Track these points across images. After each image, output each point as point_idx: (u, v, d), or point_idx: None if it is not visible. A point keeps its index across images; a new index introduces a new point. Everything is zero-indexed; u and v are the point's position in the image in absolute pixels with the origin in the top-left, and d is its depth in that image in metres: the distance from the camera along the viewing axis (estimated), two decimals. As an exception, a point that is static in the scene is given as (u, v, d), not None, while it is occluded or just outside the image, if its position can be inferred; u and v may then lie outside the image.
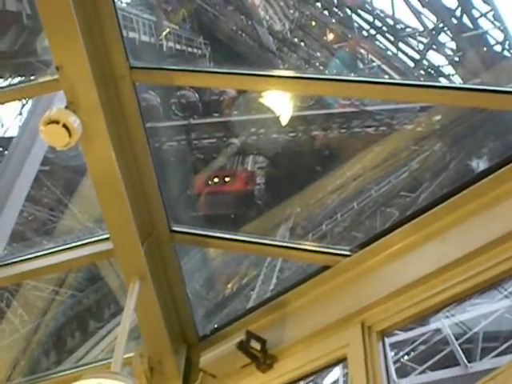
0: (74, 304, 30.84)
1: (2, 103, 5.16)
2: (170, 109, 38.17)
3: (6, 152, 31.17)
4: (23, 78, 37.04)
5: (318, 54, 43.94)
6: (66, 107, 4.31)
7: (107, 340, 26.40)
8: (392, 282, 4.71)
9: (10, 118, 40.48)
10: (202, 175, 37.11)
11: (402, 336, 20.46)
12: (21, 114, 40.50)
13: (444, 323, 19.83)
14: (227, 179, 38.15)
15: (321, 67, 43.12)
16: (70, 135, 4.21)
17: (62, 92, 4.50)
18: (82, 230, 30.73)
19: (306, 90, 5.81)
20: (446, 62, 38.94)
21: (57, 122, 4.18)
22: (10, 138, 34.80)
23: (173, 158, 34.47)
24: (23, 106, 40.35)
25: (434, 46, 39.01)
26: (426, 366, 19.70)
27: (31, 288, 28.44)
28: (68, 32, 4.15)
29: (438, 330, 20.25)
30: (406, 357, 20.92)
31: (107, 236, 5.29)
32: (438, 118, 32.91)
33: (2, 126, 41.23)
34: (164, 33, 40.03)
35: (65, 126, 4.19)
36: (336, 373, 20.86)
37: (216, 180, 37.66)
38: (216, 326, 5.93)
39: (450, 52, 38.61)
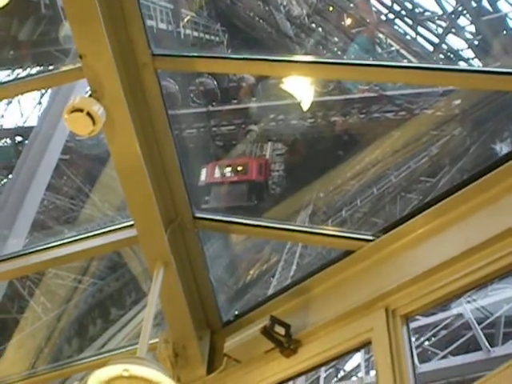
0: (95, 292, 31.05)
1: (26, 92, 5.19)
2: (188, 96, 38.16)
3: (27, 141, 31.32)
4: (42, 68, 37.18)
5: (336, 39, 43.71)
6: (90, 95, 4.33)
7: (129, 327, 26.55)
8: (415, 267, 4.71)
9: (30, 108, 40.62)
10: (213, 164, 36.74)
11: (423, 321, 20.45)
12: (40, 103, 40.71)
13: (466, 308, 19.78)
14: (239, 168, 37.81)
15: (339, 52, 42.89)
16: (93, 123, 4.24)
17: (81, 81, 4.53)
18: (102, 219, 30.90)
19: (327, 74, 5.82)
20: (466, 46, 38.61)
21: (81, 111, 4.21)
22: (30, 128, 34.97)
23: (192, 145, 34.54)
24: (42, 95, 40.56)
25: (454, 30, 38.68)
26: (447, 350, 19.68)
27: (53, 276, 28.65)
28: (91, 20, 4.17)
29: (459, 315, 20.20)
30: (426, 342, 20.91)
31: (131, 223, 5.32)
32: (457, 102, 32.71)
33: (22, 115, 41.43)
34: (185, 19, 39.97)
35: (89, 114, 4.21)
36: (357, 358, 20.93)
37: (228, 169, 37.48)
38: (237, 312, 5.96)
39: (469, 36, 38.28)
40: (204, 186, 34.78)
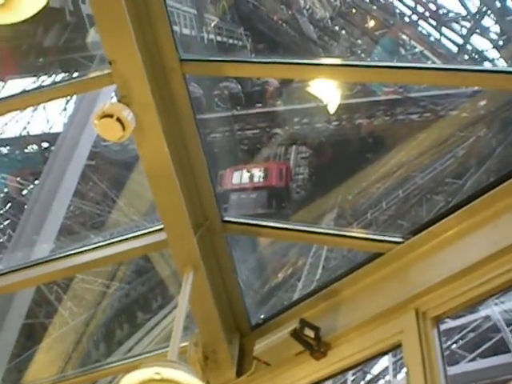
0: (121, 296, 31.18)
1: (55, 99, 5.25)
2: (213, 100, 38.17)
3: (53, 147, 31.57)
4: (67, 75, 37.46)
5: (360, 42, 43.66)
6: (119, 101, 4.37)
7: (155, 331, 26.66)
8: (445, 268, 4.70)
9: (55, 114, 40.96)
10: (230, 170, 36.09)
11: (451, 324, 20.35)
12: (65, 109, 40.96)
13: (494, 310, 19.66)
14: (259, 174, 36.94)
15: (362, 55, 42.83)
16: (123, 129, 4.27)
17: (106, 87, 4.58)
18: (128, 224, 31.06)
19: (354, 77, 5.82)
20: (491, 46, 38.40)
21: (110, 116, 4.24)
22: (56, 134, 35.25)
23: (216, 150, 34.56)
24: (67, 101, 40.79)
25: (478, 31, 38.48)
26: (476, 353, 19.57)
27: (80, 281, 28.82)
28: (119, 26, 4.21)
29: (487, 318, 20.09)
30: (454, 345, 20.81)
31: (160, 227, 5.36)
32: (483, 103, 32.51)
33: (48, 121, 41.77)
34: (212, 24, 40.06)
35: (118, 119, 4.25)
36: (384, 362, 20.85)
37: (246, 175, 36.61)
38: (263, 316, 5.98)
39: (494, 36, 38.05)
40: (221, 194, 34.03)
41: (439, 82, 4.86)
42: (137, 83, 4.40)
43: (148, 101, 4.45)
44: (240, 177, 36.20)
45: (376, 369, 22.02)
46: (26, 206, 30.28)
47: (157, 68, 4.65)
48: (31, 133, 41.90)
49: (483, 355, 19.60)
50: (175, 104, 4.82)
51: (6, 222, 38.25)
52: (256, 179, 36.50)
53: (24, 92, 5.50)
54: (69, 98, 39.73)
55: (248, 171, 36.63)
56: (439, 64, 31.70)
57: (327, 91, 5.14)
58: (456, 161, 33.13)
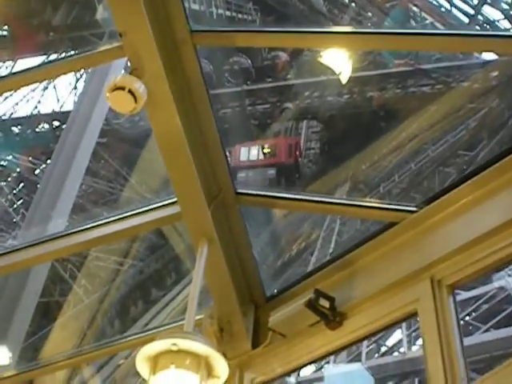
0: (135, 273, 31.34)
1: (67, 73, 5.24)
2: (223, 76, 38.00)
3: (64, 126, 31.61)
4: (76, 52, 37.36)
5: (370, 14, 43.32)
6: (131, 73, 4.35)
7: (170, 307, 26.79)
8: (460, 236, 4.69)
9: (65, 93, 40.95)
10: (238, 147, 35.78)
11: (464, 295, 20.34)
12: (75, 88, 41.01)
13: (508, 281, 19.64)
14: (267, 151, 36.74)
15: (372, 27, 42.50)
16: (135, 101, 4.26)
17: (116, 64, 4.57)
18: (140, 201, 31.12)
19: (366, 45, 5.79)
20: (502, 17, 38.01)
21: (122, 88, 4.23)
22: (67, 112, 35.31)
23: (227, 125, 34.45)
24: (78, 80, 40.85)
25: (489, 1, 38.09)
26: (489, 324, 19.57)
27: (94, 259, 28.98)
28: (129, -2, 4.19)
29: (501, 288, 20.06)
30: (467, 317, 20.82)
31: (173, 200, 5.37)
32: (495, 74, 32.26)
33: (58, 100, 41.80)
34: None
35: (130, 91, 4.24)
36: (398, 334, 20.94)
37: (254, 152, 36.44)
38: (275, 291, 5.97)
39: (505, 6, 37.67)
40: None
41: (450, 48, 4.82)
42: (148, 55, 4.38)
43: (159, 73, 4.43)
44: (248, 153, 35.91)
45: (390, 341, 22.13)
46: (38, 186, 30.40)
47: (168, 40, 4.63)
48: (42, 112, 41.95)
49: (497, 326, 19.60)
50: (187, 76, 4.80)
51: (19, 202, 38.45)
52: (264, 156, 36.31)
53: (36, 67, 5.49)
54: (79, 76, 39.80)
55: (256, 148, 36.36)
56: (450, 30, 31.37)
57: (339, 61, 5.09)
58: (468, 132, 32.97)
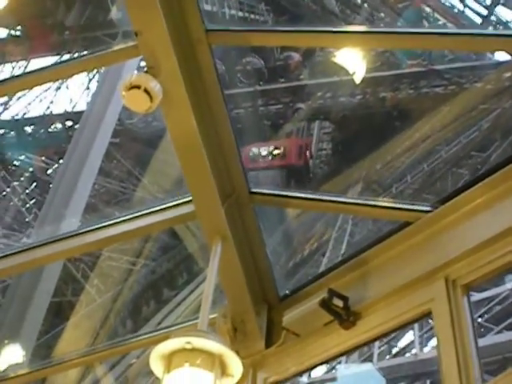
0: (147, 273, 31.38)
1: (81, 72, 5.26)
2: (235, 76, 37.91)
3: (77, 126, 31.70)
4: (89, 52, 37.46)
5: (382, 15, 43.20)
6: (146, 72, 4.37)
7: (182, 307, 26.81)
8: (475, 237, 4.70)
9: (78, 93, 41.11)
10: (247, 148, 35.36)
11: (476, 297, 20.27)
12: (88, 88, 41.05)
13: (521, 282, 19.58)
14: (276, 152, 35.93)
15: (381, 24, 42.38)
16: (151, 100, 4.28)
17: (128, 65, 4.59)
18: (153, 201, 31.16)
19: (379, 44, 5.80)
20: (516, 17, 37.87)
21: (138, 87, 4.25)
22: (80, 112, 35.38)
23: (239, 126, 34.39)
24: (90, 80, 40.91)
25: (502, 1, 37.94)
26: (502, 325, 19.50)
27: (106, 259, 29.04)
28: (145, -2, 4.21)
29: (514, 290, 20.01)
30: (479, 319, 20.75)
31: (188, 199, 5.38)
32: (508, 74, 32.14)
33: (71, 101, 41.90)
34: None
35: (146, 90, 4.25)
36: (410, 336, 20.89)
37: (264, 153, 35.55)
38: (287, 292, 5.97)
39: (519, 6, 37.52)
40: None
41: (462, 47, 4.84)
42: (163, 54, 4.40)
43: (175, 71, 4.45)
44: (257, 155, 35.66)
45: (402, 342, 22.07)
46: (51, 185, 30.48)
47: (183, 39, 4.64)
48: (55, 112, 42.05)
49: (510, 327, 19.53)
50: (202, 75, 4.81)
51: (32, 201, 38.57)
52: (274, 157, 35.69)
53: (49, 66, 5.51)
54: (91, 76, 39.88)
55: (265, 149, 35.74)
56: (463, 29, 31.34)
57: (353, 61, 5.10)
58: (481, 133, 32.83)
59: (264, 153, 35.60)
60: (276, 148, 36.26)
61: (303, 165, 36.40)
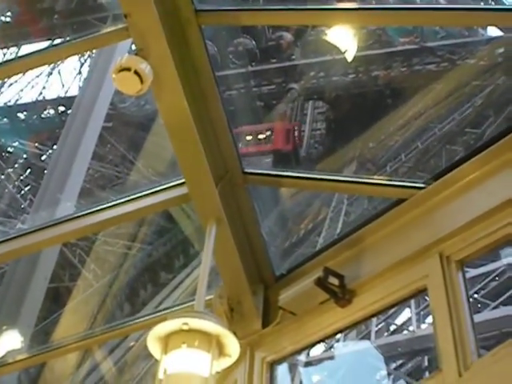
0: (144, 257, 31.40)
1: (73, 55, 5.23)
2: (227, 57, 37.66)
3: (70, 111, 31.60)
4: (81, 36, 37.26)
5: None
6: (136, 54, 4.35)
7: (179, 290, 26.85)
8: (469, 212, 4.72)
9: (70, 78, 40.91)
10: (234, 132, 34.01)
11: (472, 273, 20.34)
12: (80, 73, 40.88)
13: (517, 257, 19.64)
14: (261, 137, 34.71)
15: (373, 1, 42.22)
16: (141, 81, 4.25)
17: (120, 48, 4.57)
18: (148, 185, 31.10)
19: (372, 21, 5.77)
20: (507, -8, 37.66)
21: (128, 69, 4.23)
22: (72, 98, 35.27)
23: (232, 107, 34.23)
24: (82, 65, 40.75)
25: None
26: (499, 301, 19.57)
27: (101, 243, 29.04)
28: (133, -22, 4.18)
29: (510, 265, 20.05)
30: (476, 294, 20.83)
31: (181, 181, 5.37)
32: (501, 50, 32.06)
33: (63, 86, 41.75)
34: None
35: (136, 72, 4.23)
36: (408, 313, 20.98)
37: (248, 138, 34.29)
38: (285, 270, 5.98)
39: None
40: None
41: (454, 23, 4.84)
42: (153, 36, 4.37)
43: (165, 53, 4.42)
44: (242, 140, 34.88)
45: (400, 319, 22.16)
46: (45, 171, 30.44)
47: (172, 20, 4.62)
48: (47, 97, 41.91)
49: (506, 303, 19.61)
50: (192, 56, 4.79)
51: (27, 188, 38.52)
52: (258, 142, 34.44)
53: (41, 50, 5.51)
54: (83, 61, 39.72)
55: (250, 134, 34.44)
56: (454, 4, 31.18)
57: (344, 39, 5.09)
58: (474, 110, 32.79)
59: (248, 138, 34.45)
60: (261, 133, 34.98)
61: (291, 150, 35.51)
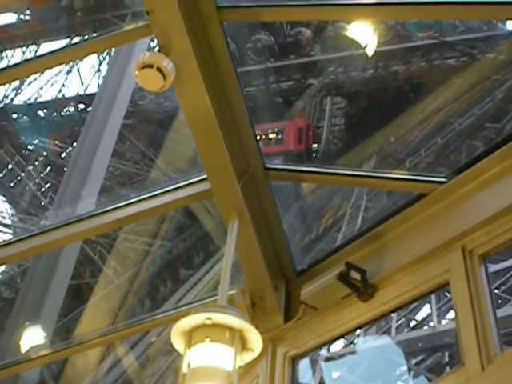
0: (164, 254, 31.52)
1: (94, 53, 5.27)
2: (246, 54, 37.62)
3: (89, 109, 31.76)
4: (100, 34, 37.43)
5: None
6: (159, 51, 4.38)
7: (199, 286, 26.94)
8: (491, 206, 4.71)
9: (89, 76, 41.07)
10: None
11: (492, 268, 20.26)
12: (99, 70, 41.07)
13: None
14: (272, 136, 33.41)
15: None
16: (164, 78, 4.28)
17: (140, 45, 4.59)
18: (167, 182, 31.17)
19: (392, 15, 5.76)
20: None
21: (151, 66, 4.25)
22: (91, 95, 35.46)
23: (251, 104, 34.19)
24: (101, 62, 40.93)
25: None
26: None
27: (122, 240, 29.18)
28: (155, -25, 4.21)
29: (531, 261, 19.96)
30: (496, 290, 20.75)
31: (202, 177, 5.40)
32: (521, 44, 31.88)
33: (82, 83, 41.95)
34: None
35: (159, 69, 4.26)
36: (428, 309, 20.93)
37: (258, 138, 33.07)
38: (304, 266, 5.98)
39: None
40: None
41: (475, 17, 4.82)
42: (175, 32, 4.39)
43: (187, 49, 4.44)
44: None
45: (420, 315, 22.11)
46: (65, 169, 30.62)
47: (194, 16, 4.64)
48: (67, 95, 42.13)
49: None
50: (214, 52, 4.81)
51: (47, 185, 38.77)
52: (268, 143, 32.81)
53: (61, 48, 5.53)
54: (102, 59, 39.88)
55: (261, 133, 32.21)
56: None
57: (364, 34, 5.08)
58: (494, 104, 32.58)
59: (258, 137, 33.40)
60: (271, 132, 33.35)
61: (304, 150, 34.61)
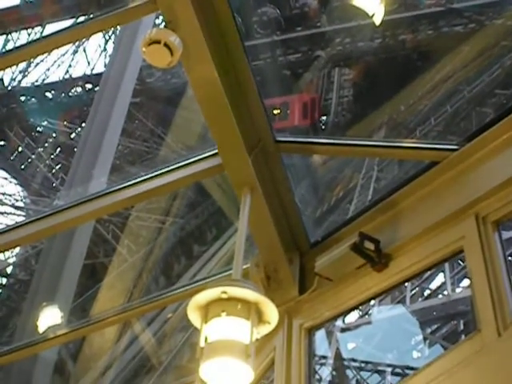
0: (176, 231, 31.59)
1: (101, 31, 5.25)
2: (252, 28, 37.37)
3: (97, 88, 31.73)
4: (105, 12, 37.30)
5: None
6: (165, 26, 4.36)
7: (212, 262, 27.03)
8: (503, 172, 4.70)
9: (95, 55, 41.03)
10: None
11: (505, 235, 20.17)
12: (105, 49, 40.98)
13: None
14: (276, 112, 32.29)
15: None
16: (171, 54, 4.26)
17: (145, 23, 4.56)
18: (177, 160, 31.14)
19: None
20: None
21: (158, 42, 4.23)
22: (99, 75, 35.42)
23: (259, 78, 33.93)
24: (107, 41, 40.82)
25: None
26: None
27: (134, 218, 29.27)
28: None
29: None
30: (509, 257, 20.67)
31: (213, 152, 5.39)
32: (529, 9, 31.57)
33: (89, 64, 41.87)
34: None
35: (166, 44, 4.24)
36: (441, 278, 20.95)
37: None
38: (317, 239, 5.98)
39: None
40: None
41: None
42: (181, 7, 4.37)
43: (194, 24, 4.42)
44: None
45: (434, 284, 22.16)
46: (75, 149, 30.68)
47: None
48: (74, 76, 42.08)
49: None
50: (220, 26, 4.78)
51: (58, 167, 38.87)
52: (272, 119, 30.60)
53: (67, 28, 5.49)
54: (107, 38, 39.76)
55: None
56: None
57: (371, 2, 5.03)
58: (503, 71, 32.30)
59: None
60: (275, 108, 32.24)
61: (310, 125, 34.27)
